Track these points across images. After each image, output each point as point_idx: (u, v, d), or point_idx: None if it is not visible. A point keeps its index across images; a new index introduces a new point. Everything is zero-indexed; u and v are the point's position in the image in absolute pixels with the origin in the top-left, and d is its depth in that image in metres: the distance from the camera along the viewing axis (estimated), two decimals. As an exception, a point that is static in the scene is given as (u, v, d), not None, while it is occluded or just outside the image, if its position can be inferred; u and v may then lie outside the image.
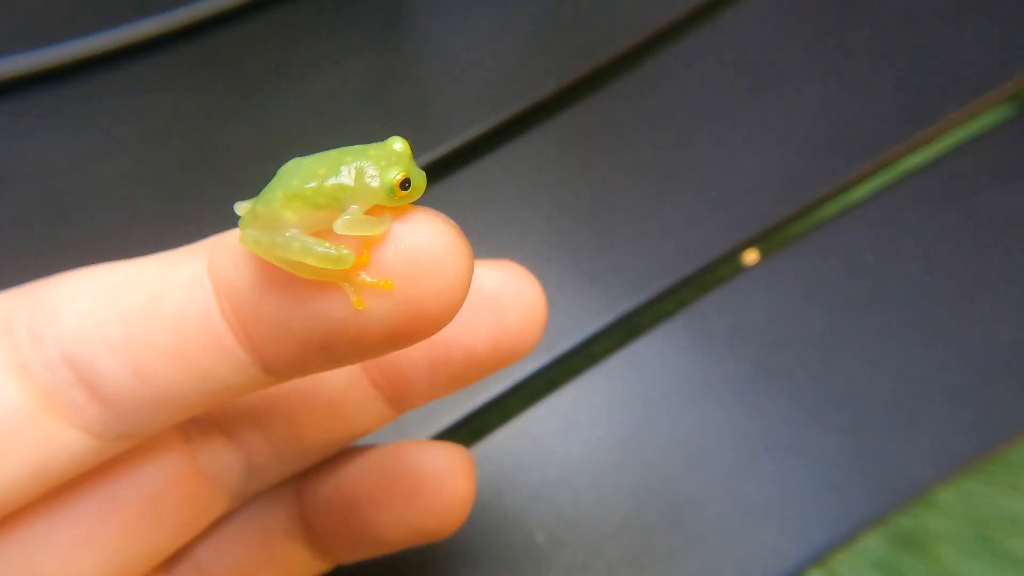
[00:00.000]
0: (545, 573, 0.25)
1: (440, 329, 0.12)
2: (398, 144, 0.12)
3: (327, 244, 0.11)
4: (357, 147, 0.13)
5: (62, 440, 0.12)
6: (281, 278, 0.12)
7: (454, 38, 0.33)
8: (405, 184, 0.12)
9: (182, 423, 0.16)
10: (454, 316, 0.12)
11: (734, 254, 0.29)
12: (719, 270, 0.29)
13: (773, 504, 0.26)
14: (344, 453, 0.19)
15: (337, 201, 0.12)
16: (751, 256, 0.31)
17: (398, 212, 0.12)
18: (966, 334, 0.28)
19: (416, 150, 0.30)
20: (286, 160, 0.13)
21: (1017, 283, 0.29)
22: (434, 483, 0.17)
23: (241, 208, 0.13)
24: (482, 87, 0.32)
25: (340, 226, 0.12)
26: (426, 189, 0.12)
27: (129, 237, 0.28)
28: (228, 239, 0.13)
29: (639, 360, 0.28)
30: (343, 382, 0.17)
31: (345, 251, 0.11)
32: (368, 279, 0.12)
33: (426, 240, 0.12)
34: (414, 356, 0.17)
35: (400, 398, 0.18)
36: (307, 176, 0.12)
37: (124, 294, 0.12)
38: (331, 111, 0.31)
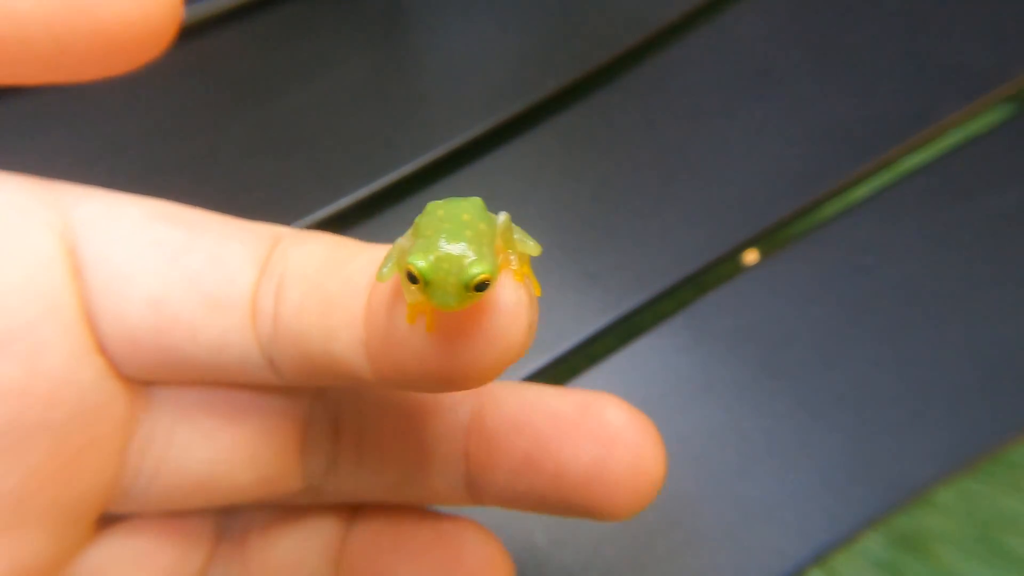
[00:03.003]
0: (545, 573, 0.25)
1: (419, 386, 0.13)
2: (477, 267, 0.12)
3: (392, 261, 0.12)
4: (484, 218, 0.13)
5: (242, 332, 0.15)
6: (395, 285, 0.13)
7: (454, 38, 0.33)
8: (411, 277, 0.12)
9: (304, 402, 0.18)
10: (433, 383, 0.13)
11: (734, 254, 0.29)
12: (719, 270, 0.29)
13: (773, 504, 0.26)
14: (397, 511, 0.19)
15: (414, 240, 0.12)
16: (751, 256, 0.31)
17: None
18: (966, 334, 0.28)
19: (416, 150, 0.30)
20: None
21: (1017, 283, 0.29)
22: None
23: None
24: (482, 87, 0.32)
25: (396, 245, 0.13)
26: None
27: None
28: None
29: (639, 360, 0.28)
30: (438, 432, 0.18)
31: (387, 271, 0.12)
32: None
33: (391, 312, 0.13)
34: (508, 443, 0.17)
35: (478, 477, 0.17)
36: (434, 213, 0.13)
37: (341, 247, 0.15)
38: (331, 111, 0.31)
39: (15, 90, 0.30)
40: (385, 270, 0.12)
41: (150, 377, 0.16)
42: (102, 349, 0.15)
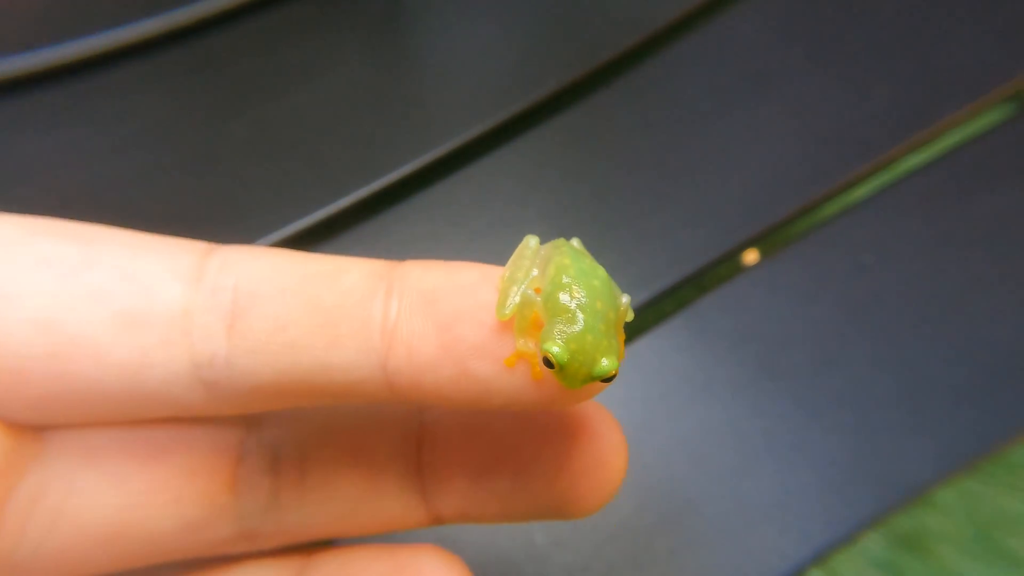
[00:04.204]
0: (545, 573, 0.25)
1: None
2: (607, 361, 0.13)
3: (516, 298, 0.13)
4: (612, 298, 0.13)
5: (167, 351, 0.13)
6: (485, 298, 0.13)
7: (454, 38, 0.33)
8: (547, 362, 0.13)
9: (236, 434, 0.16)
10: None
11: (734, 254, 0.29)
12: (719, 270, 0.29)
13: (773, 504, 0.25)
14: (349, 551, 0.17)
15: (543, 288, 0.13)
16: (751, 256, 0.31)
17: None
18: (966, 334, 0.28)
19: (416, 150, 0.30)
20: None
21: (1017, 283, 0.29)
22: None
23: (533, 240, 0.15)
24: (482, 87, 0.32)
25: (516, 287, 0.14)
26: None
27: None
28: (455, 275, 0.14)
29: (639, 360, 0.28)
30: (390, 449, 0.17)
31: (508, 311, 0.13)
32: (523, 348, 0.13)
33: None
34: (465, 449, 0.16)
35: (436, 490, 0.16)
36: (568, 285, 0.13)
37: (313, 260, 0.14)
38: (331, 111, 0.31)
39: (15, 90, 0.30)
40: (508, 310, 0.13)
41: (41, 416, 0.14)
42: None
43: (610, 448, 0.16)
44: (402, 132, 0.31)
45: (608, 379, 0.13)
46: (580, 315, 0.13)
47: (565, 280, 0.13)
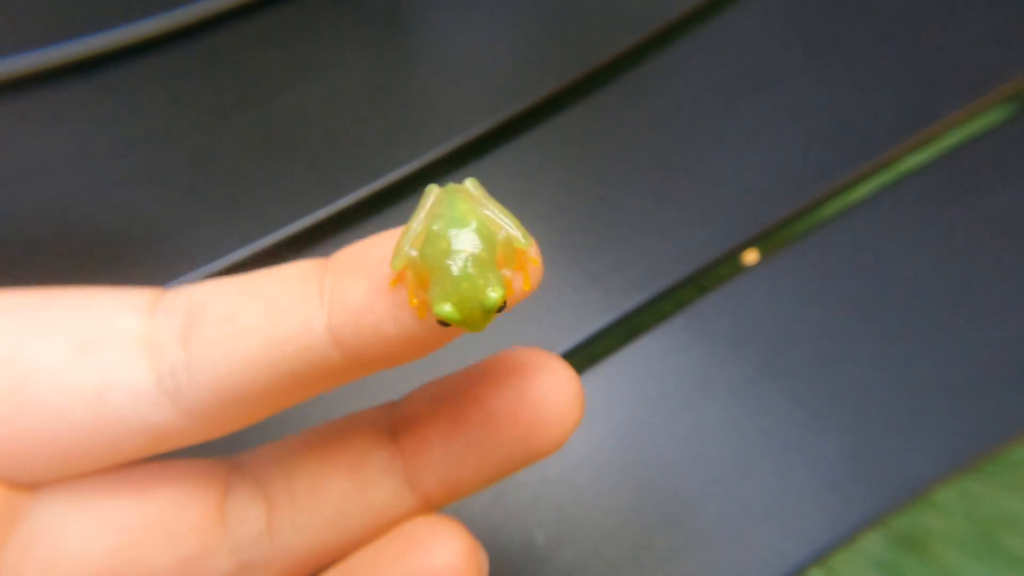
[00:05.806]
0: (545, 573, 0.25)
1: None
2: (494, 292, 0.13)
3: (409, 248, 0.14)
4: (484, 227, 0.14)
5: (129, 367, 0.14)
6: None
7: (454, 38, 0.33)
8: (443, 323, 0.13)
9: (221, 468, 0.16)
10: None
11: (734, 254, 0.29)
12: (719, 270, 0.29)
13: (773, 504, 0.26)
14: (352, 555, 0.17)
15: (429, 228, 0.14)
16: (751, 256, 0.31)
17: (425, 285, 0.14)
18: (966, 334, 0.28)
19: (416, 150, 0.30)
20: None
21: (1017, 283, 0.29)
22: None
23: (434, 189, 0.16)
24: (482, 87, 0.32)
25: (409, 234, 0.14)
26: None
27: (129, 237, 0.28)
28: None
29: (639, 360, 0.28)
30: (368, 443, 0.17)
31: (400, 262, 0.14)
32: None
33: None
34: (434, 412, 0.17)
35: (415, 463, 0.17)
36: (437, 240, 0.14)
37: (247, 274, 0.14)
38: (331, 111, 0.31)
39: (15, 90, 0.30)
40: (399, 261, 0.14)
41: (8, 466, 0.14)
42: None
43: (563, 376, 0.16)
44: (402, 132, 0.31)
45: (502, 308, 0.13)
46: (453, 266, 0.13)
47: (435, 228, 0.14)
